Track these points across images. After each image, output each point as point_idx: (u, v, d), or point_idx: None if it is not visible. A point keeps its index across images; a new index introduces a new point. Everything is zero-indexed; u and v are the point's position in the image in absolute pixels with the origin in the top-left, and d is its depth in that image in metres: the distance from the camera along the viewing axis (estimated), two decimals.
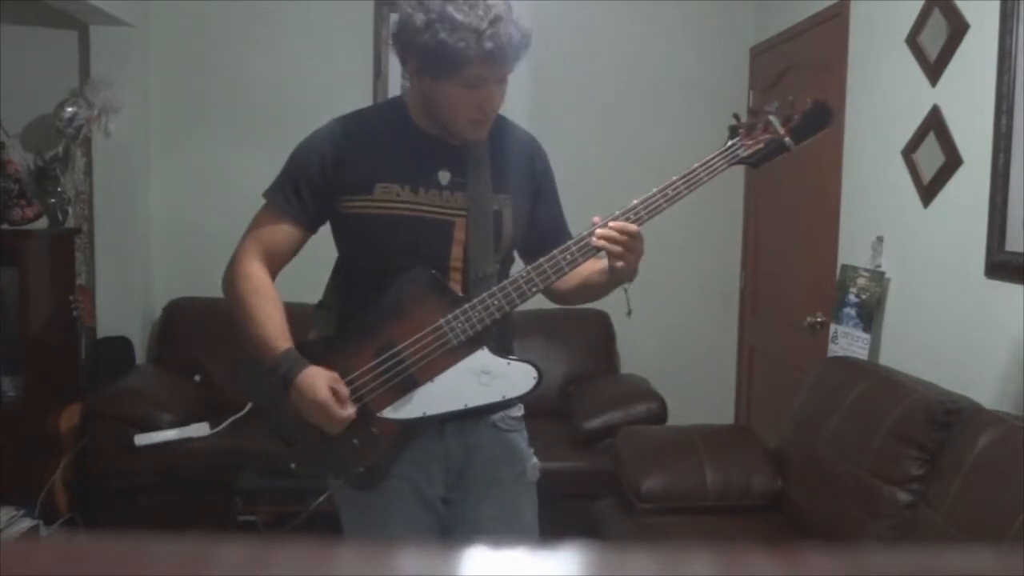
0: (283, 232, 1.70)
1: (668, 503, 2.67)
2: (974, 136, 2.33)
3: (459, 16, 1.50)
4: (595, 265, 1.70)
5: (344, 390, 1.61)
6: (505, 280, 1.64)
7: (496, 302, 1.61)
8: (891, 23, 2.76)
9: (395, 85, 4.01)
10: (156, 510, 3.21)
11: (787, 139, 1.68)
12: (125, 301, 3.89)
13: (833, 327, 2.97)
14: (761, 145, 1.69)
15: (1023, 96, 2.15)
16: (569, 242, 1.63)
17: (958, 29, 2.41)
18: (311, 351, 1.66)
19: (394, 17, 3.92)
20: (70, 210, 3.80)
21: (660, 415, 3.37)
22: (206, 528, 3.02)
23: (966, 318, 2.37)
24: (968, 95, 2.38)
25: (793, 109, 1.69)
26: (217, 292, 4.46)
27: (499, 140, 1.72)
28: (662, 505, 2.67)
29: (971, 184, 2.35)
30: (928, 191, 2.55)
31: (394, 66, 4.01)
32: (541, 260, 1.62)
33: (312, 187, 1.67)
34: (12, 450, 3.30)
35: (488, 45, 1.51)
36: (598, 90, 3.91)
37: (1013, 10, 2.17)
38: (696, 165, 1.66)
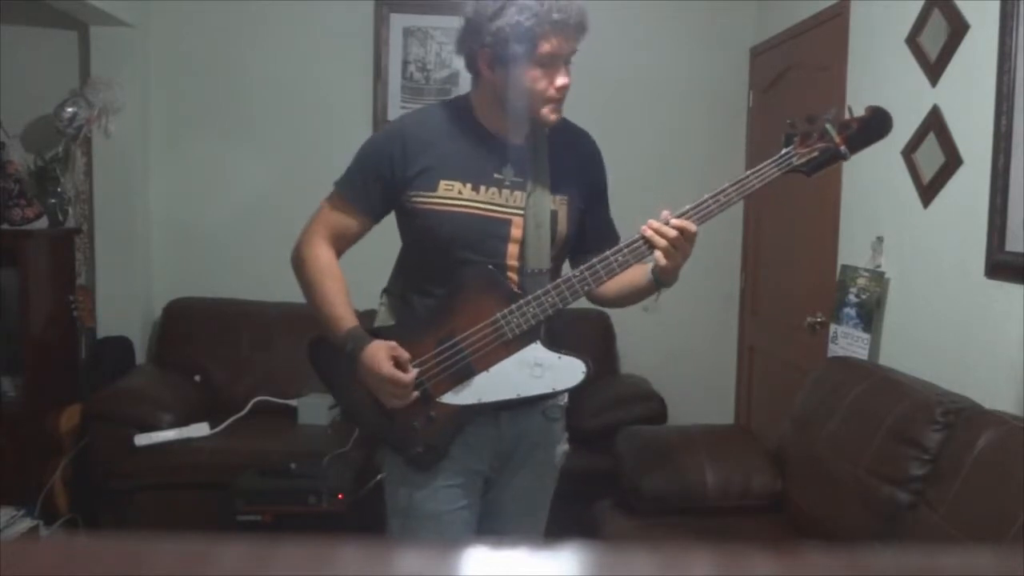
0: (350, 220, 1.81)
1: (668, 503, 2.67)
2: (974, 136, 2.33)
3: (526, 0, 1.62)
4: (638, 270, 1.75)
5: (404, 355, 1.71)
6: (559, 278, 1.72)
7: (550, 299, 1.69)
8: (891, 23, 2.75)
9: (395, 85, 4.01)
10: (156, 510, 3.21)
11: (843, 148, 1.68)
12: (125, 301, 3.89)
13: (833, 327, 2.97)
14: (816, 153, 1.69)
15: (1023, 96, 2.15)
16: (621, 244, 1.69)
17: (958, 29, 2.41)
18: (378, 338, 1.75)
19: (399, 22, 3.93)
20: (70, 210, 3.79)
21: (660, 415, 3.37)
22: (206, 528, 3.02)
23: (966, 318, 2.37)
24: (968, 95, 2.38)
25: (851, 117, 1.69)
26: (217, 292, 4.47)
27: (559, 139, 1.80)
28: (662, 505, 2.67)
29: (971, 184, 2.35)
30: (928, 191, 2.55)
31: (394, 66, 4.01)
32: (593, 261, 1.69)
33: (379, 181, 1.77)
34: (12, 450, 3.30)
35: (557, 16, 1.62)
36: (598, 90, 3.90)
37: (1013, 10, 2.17)
38: (748, 172, 1.69)
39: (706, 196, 1.67)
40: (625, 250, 1.68)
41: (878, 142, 1.73)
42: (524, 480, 1.89)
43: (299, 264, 1.83)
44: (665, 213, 1.66)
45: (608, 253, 1.68)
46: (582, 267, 1.70)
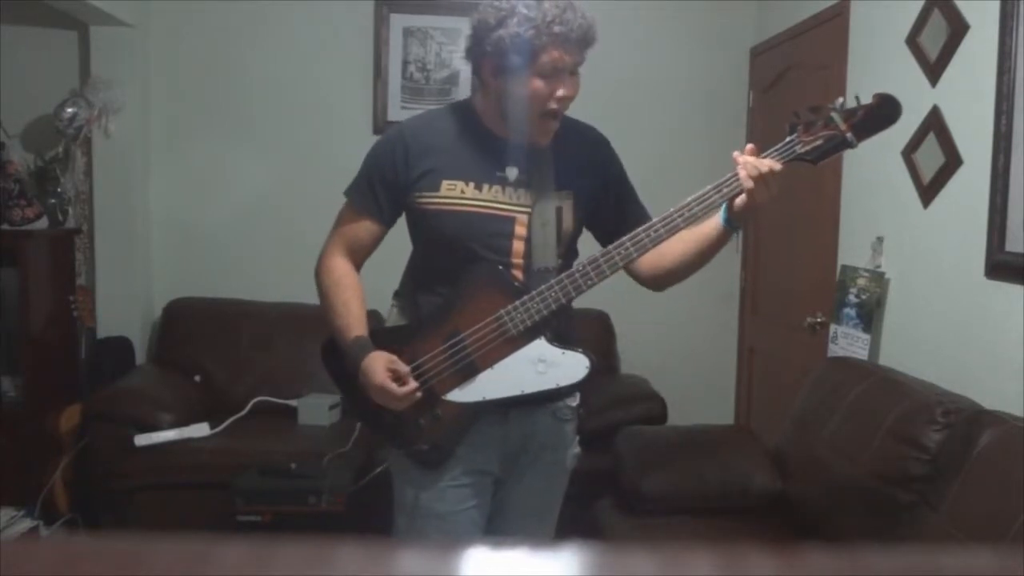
0: (362, 228, 1.83)
1: (668, 503, 2.67)
2: (974, 136, 2.33)
3: (527, 11, 1.63)
4: (696, 233, 1.73)
5: (403, 368, 1.72)
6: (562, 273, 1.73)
7: (553, 294, 1.70)
8: (891, 23, 2.76)
9: (395, 85, 4.01)
10: (156, 510, 3.21)
11: (849, 135, 1.66)
12: (125, 301, 3.89)
13: (833, 327, 2.97)
14: (820, 141, 1.67)
15: (1023, 96, 2.15)
16: (624, 238, 1.69)
17: (958, 29, 2.41)
18: (386, 338, 1.79)
19: (399, 22, 3.92)
20: (70, 210, 3.79)
21: (660, 415, 3.37)
22: (206, 528, 3.02)
23: (966, 318, 2.37)
24: (968, 95, 2.38)
25: (857, 105, 1.67)
26: (217, 292, 4.48)
27: (563, 137, 1.80)
28: (662, 505, 2.67)
29: (971, 184, 2.35)
30: (928, 191, 2.55)
31: (394, 66, 4.01)
32: (596, 255, 1.70)
33: (385, 185, 1.78)
34: (12, 450, 3.30)
35: (557, 29, 1.62)
36: (598, 90, 3.90)
37: (1013, 10, 2.17)
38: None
39: (708, 187, 1.67)
40: (628, 242, 1.69)
41: (883, 134, 1.71)
42: (533, 481, 1.89)
43: (316, 278, 1.87)
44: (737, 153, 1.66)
45: (611, 247, 1.70)
46: (583, 261, 1.72)
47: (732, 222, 1.72)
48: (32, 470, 3.30)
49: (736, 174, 1.65)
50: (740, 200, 1.67)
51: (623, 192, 1.90)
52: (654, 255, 1.75)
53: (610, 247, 1.69)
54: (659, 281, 1.87)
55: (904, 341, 2.69)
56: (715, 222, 1.73)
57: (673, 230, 1.68)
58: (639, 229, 1.69)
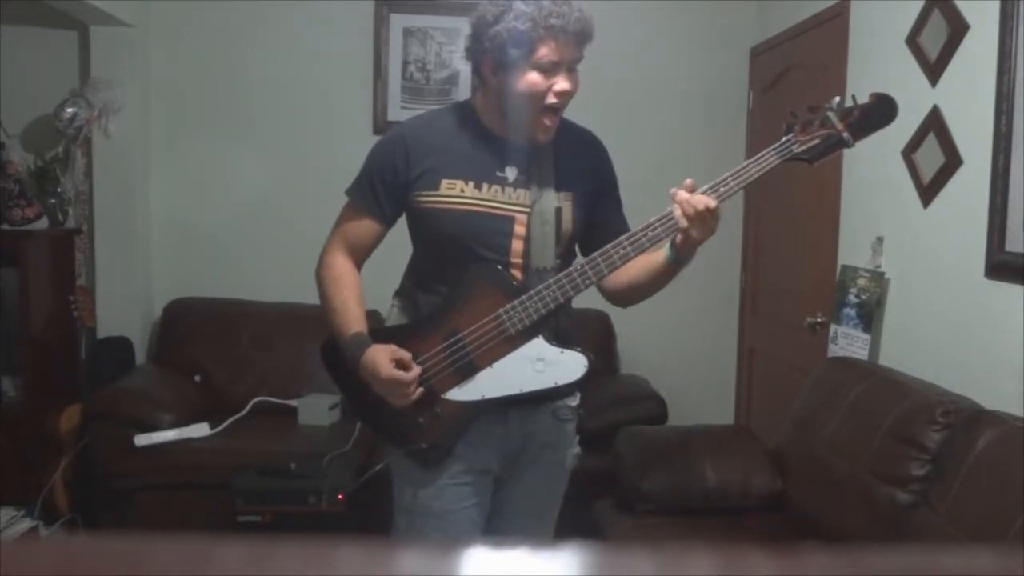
0: (363, 226, 1.84)
1: (668, 503, 2.67)
2: (974, 136, 2.33)
3: (524, 6, 1.65)
4: (650, 256, 1.73)
5: (405, 355, 1.73)
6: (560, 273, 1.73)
7: (551, 294, 1.70)
8: (891, 23, 2.76)
9: (395, 85, 4.01)
10: (156, 510, 3.21)
11: (845, 134, 1.65)
12: (125, 301, 3.89)
13: (833, 327, 2.97)
14: (816, 140, 1.66)
15: (1023, 96, 2.15)
16: (621, 237, 1.69)
17: (958, 29, 2.41)
18: (386, 338, 1.78)
19: (399, 22, 3.92)
20: (70, 210, 3.79)
21: (660, 415, 3.37)
22: (206, 528, 3.02)
23: (966, 318, 2.37)
24: (968, 95, 2.38)
25: (854, 104, 1.67)
26: (217, 292, 4.48)
27: (563, 139, 1.80)
28: (662, 505, 2.67)
29: (971, 184, 2.35)
30: (928, 191, 2.55)
31: (394, 66, 4.01)
32: (595, 254, 1.71)
33: (385, 184, 1.79)
34: (12, 450, 3.30)
35: (554, 22, 1.64)
36: (598, 90, 3.90)
37: (1013, 10, 2.17)
38: (747, 161, 1.68)
39: (704, 187, 1.67)
40: (626, 243, 1.68)
41: (883, 134, 1.71)
42: (532, 481, 1.89)
43: (316, 276, 1.88)
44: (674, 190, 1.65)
45: (608, 246, 1.69)
46: (583, 261, 1.72)
47: (678, 257, 1.70)
48: (32, 470, 3.30)
49: (670, 212, 1.64)
50: (678, 237, 1.66)
51: (613, 199, 1.91)
52: (617, 272, 1.74)
53: (608, 246, 1.69)
54: (617, 297, 1.87)
55: (904, 341, 2.69)
56: (660, 255, 1.72)
57: (671, 228, 1.68)
58: (636, 229, 1.69)
